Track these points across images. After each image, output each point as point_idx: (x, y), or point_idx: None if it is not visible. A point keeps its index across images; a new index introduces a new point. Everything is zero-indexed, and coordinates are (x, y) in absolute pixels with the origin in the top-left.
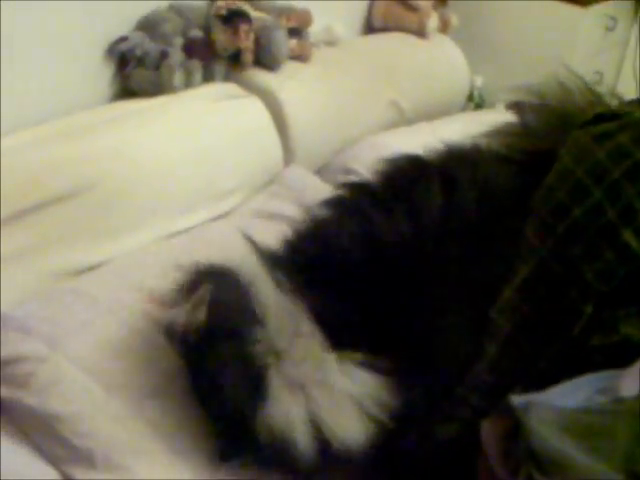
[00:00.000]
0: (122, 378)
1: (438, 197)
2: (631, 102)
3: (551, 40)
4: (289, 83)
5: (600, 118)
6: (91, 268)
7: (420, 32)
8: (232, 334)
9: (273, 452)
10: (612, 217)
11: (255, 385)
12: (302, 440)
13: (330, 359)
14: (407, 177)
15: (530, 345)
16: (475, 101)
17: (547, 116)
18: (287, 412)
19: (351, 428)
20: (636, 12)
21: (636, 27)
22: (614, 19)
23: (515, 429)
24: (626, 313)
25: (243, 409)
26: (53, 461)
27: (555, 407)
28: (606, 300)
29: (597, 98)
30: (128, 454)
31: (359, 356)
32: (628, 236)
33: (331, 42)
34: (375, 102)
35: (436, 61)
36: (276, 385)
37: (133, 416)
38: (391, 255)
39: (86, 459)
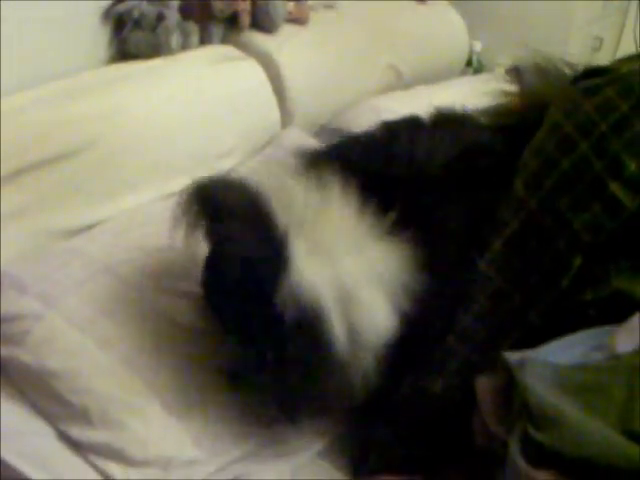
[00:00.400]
0: (118, 335)
1: (422, 142)
2: (621, 59)
3: (550, 5)
4: (287, 46)
5: (590, 74)
6: (88, 228)
7: None
8: (246, 216)
9: (299, 338)
10: (599, 169)
11: (276, 252)
12: (332, 315)
13: (362, 226)
14: (398, 126)
15: (520, 296)
16: (474, 66)
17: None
18: (314, 281)
19: (378, 309)
20: None
21: None
22: None
23: (510, 386)
24: (617, 267)
25: (264, 280)
26: (49, 418)
27: (550, 364)
28: (597, 254)
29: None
30: (124, 411)
31: (391, 217)
32: (615, 188)
33: (329, 5)
34: (373, 65)
35: (435, 25)
36: (301, 251)
37: (129, 373)
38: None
39: (82, 416)
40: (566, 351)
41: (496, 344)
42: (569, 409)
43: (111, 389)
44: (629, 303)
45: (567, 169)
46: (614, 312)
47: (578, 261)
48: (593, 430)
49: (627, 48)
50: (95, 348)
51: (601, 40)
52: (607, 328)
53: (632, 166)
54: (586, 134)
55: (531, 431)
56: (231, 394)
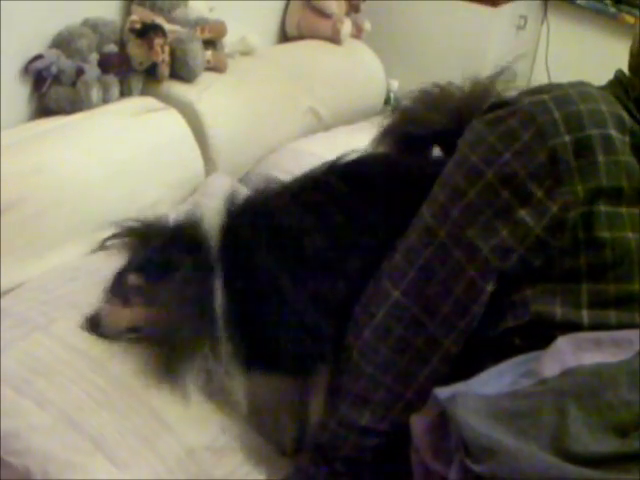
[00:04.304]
0: (55, 393)
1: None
2: (522, 92)
3: (464, 40)
4: (206, 94)
5: (494, 106)
6: (16, 287)
7: (334, 38)
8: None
9: None
10: (506, 197)
11: None
12: None
13: None
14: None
15: (434, 325)
16: (392, 104)
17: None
18: None
19: None
20: (545, 10)
21: (546, 24)
22: (524, 17)
23: (444, 422)
24: (534, 292)
25: None
26: None
27: (481, 395)
28: (512, 279)
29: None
30: (65, 468)
31: None
32: (523, 214)
33: (246, 52)
34: (293, 109)
35: (351, 66)
36: None
37: (69, 430)
38: None
39: (23, 476)
40: (495, 381)
41: (417, 373)
42: (503, 437)
43: (51, 447)
44: (550, 325)
45: (473, 198)
46: (537, 336)
47: (490, 287)
48: (529, 455)
49: (540, 79)
50: (33, 407)
51: (514, 73)
52: (533, 354)
53: (539, 193)
54: (490, 163)
55: (469, 464)
56: (174, 439)
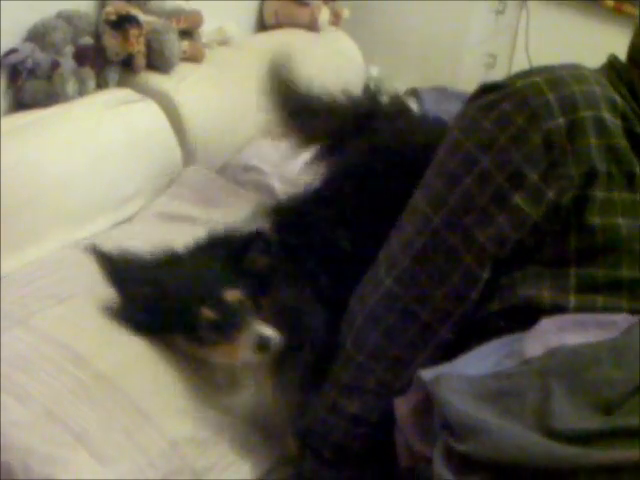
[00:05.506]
0: (36, 389)
1: None
2: (516, 75)
3: (444, 26)
4: (184, 84)
5: (486, 90)
6: None
7: (312, 26)
8: None
9: None
10: (501, 182)
11: None
12: None
13: None
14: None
15: (428, 314)
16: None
17: None
18: None
19: None
20: None
21: (525, 9)
22: (503, 2)
23: (428, 403)
24: (522, 275)
25: None
26: None
27: (465, 376)
28: (504, 264)
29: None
30: (47, 463)
31: None
32: (519, 199)
33: (224, 42)
34: None
35: (330, 54)
36: None
37: (50, 425)
38: None
39: (5, 473)
40: (478, 362)
41: (409, 362)
42: (487, 417)
43: (32, 442)
44: (536, 309)
45: (469, 185)
46: (522, 319)
47: (486, 274)
48: (513, 434)
49: (520, 64)
50: (13, 403)
51: (495, 57)
52: (516, 335)
53: (534, 177)
54: (486, 150)
55: (453, 443)
56: (156, 432)
